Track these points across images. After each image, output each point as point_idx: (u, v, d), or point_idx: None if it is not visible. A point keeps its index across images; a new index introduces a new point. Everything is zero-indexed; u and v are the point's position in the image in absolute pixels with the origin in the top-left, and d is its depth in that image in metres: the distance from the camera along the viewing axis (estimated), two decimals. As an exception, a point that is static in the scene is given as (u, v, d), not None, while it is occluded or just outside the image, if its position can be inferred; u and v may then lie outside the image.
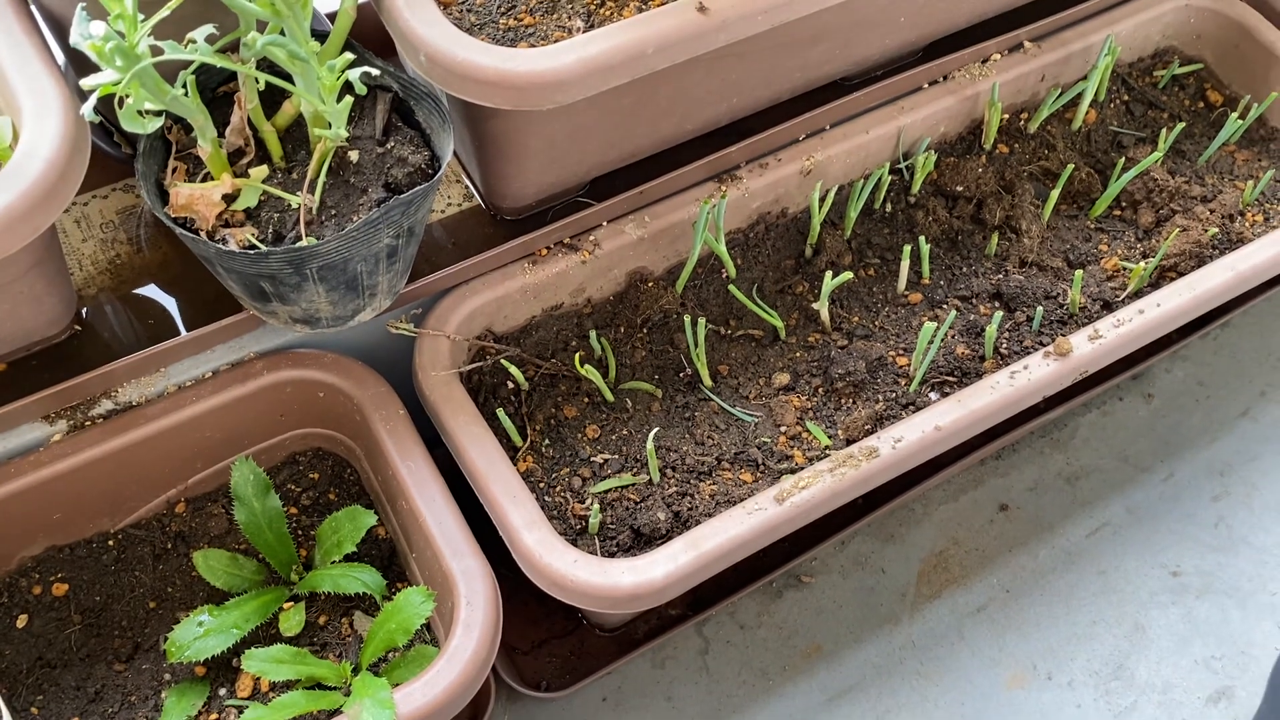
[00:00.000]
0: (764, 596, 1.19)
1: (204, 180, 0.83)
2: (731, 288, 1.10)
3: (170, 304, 0.99)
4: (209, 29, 0.74)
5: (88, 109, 0.70)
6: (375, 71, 0.76)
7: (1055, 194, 1.17)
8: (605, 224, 1.09)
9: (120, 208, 1.03)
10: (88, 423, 0.95)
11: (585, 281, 1.09)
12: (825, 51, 1.06)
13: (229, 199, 0.82)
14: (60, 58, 0.90)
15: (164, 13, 0.70)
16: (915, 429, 0.98)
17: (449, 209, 1.07)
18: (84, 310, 0.97)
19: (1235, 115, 1.23)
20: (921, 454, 0.98)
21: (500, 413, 0.98)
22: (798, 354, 1.10)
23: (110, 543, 0.98)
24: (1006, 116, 1.24)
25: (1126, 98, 1.30)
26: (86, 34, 0.68)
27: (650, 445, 0.96)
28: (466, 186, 1.09)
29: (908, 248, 1.12)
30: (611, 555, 0.95)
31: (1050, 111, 1.24)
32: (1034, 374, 1.02)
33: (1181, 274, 1.13)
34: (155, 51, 0.71)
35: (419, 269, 1.00)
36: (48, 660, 0.93)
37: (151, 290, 1.00)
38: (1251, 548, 1.24)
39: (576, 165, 1.02)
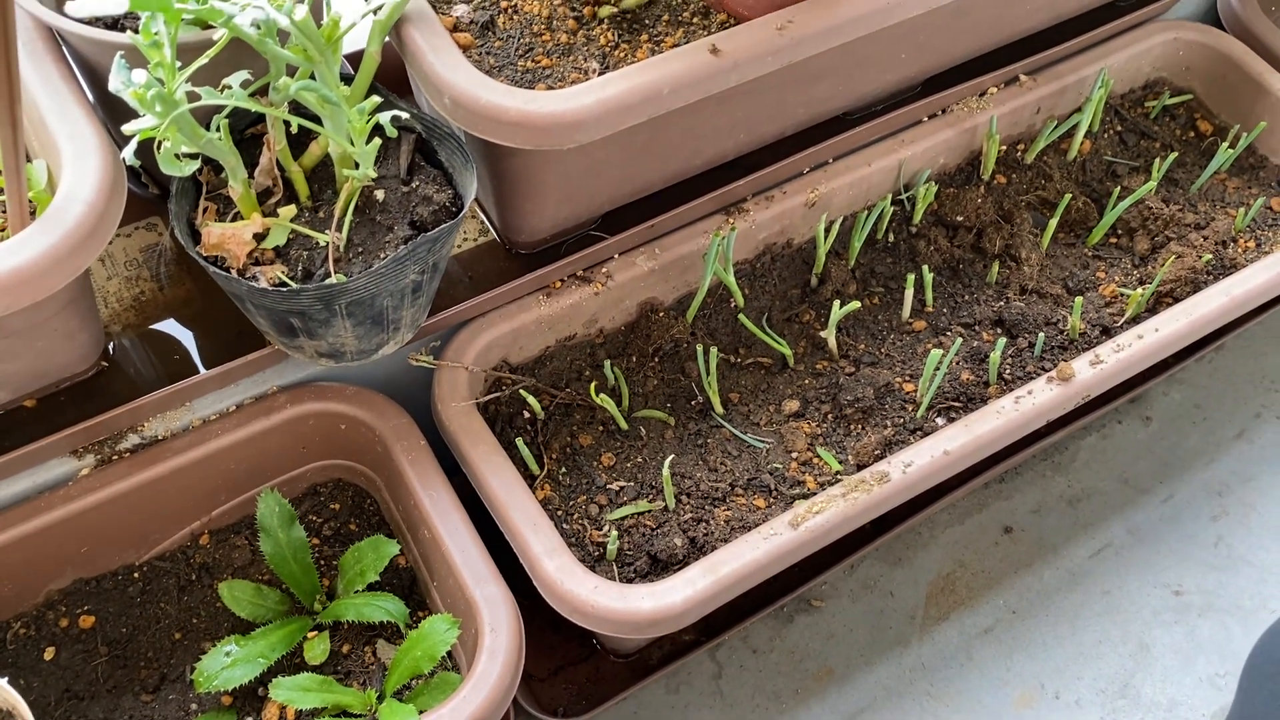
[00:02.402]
0: (775, 621, 1.21)
1: (234, 220, 0.85)
2: (741, 317, 1.13)
3: (194, 339, 1.01)
4: (244, 74, 0.76)
5: (128, 153, 0.73)
6: (405, 115, 0.79)
7: (1053, 223, 1.20)
8: (617, 256, 1.11)
9: (144, 245, 1.05)
10: (115, 457, 0.96)
11: (598, 312, 1.11)
12: (829, 88, 1.09)
13: (259, 238, 0.84)
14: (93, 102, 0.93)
15: (202, 61, 0.73)
16: (925, 454, 1.00)
17: (465, 244, 1.10)
18: (111, 346, 0.99)
19: (1225, 145, 1.27)
20: (931, 478, 1.00)
21: (519, 442, 1.00)
22: (806, 381, 1.13)
23: (136, 575, 1.00)
24: (1004, 148, 1.28)
25: (1120, 128, 1.34)
26: (128, 81, 0.71)
27: (666, 472, 0.98)
28: (483, 222, 1.11)
29: (911, 276, 1.15)
30: (629, 581, 0.97)
31: (1046, 143, 1.27)
32: (1038, 398, 1.04)
33: (1178, 299, 1.16)
34: (192, 97, 0.74)
35: (438, 303, 1.02)
36: (75, 692, 0.95)
37: (175, 326, 1.02)
38: (1251, 566, 1.27)
39: (590, 200, 1.05)
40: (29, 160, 0.85)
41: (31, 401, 0.94)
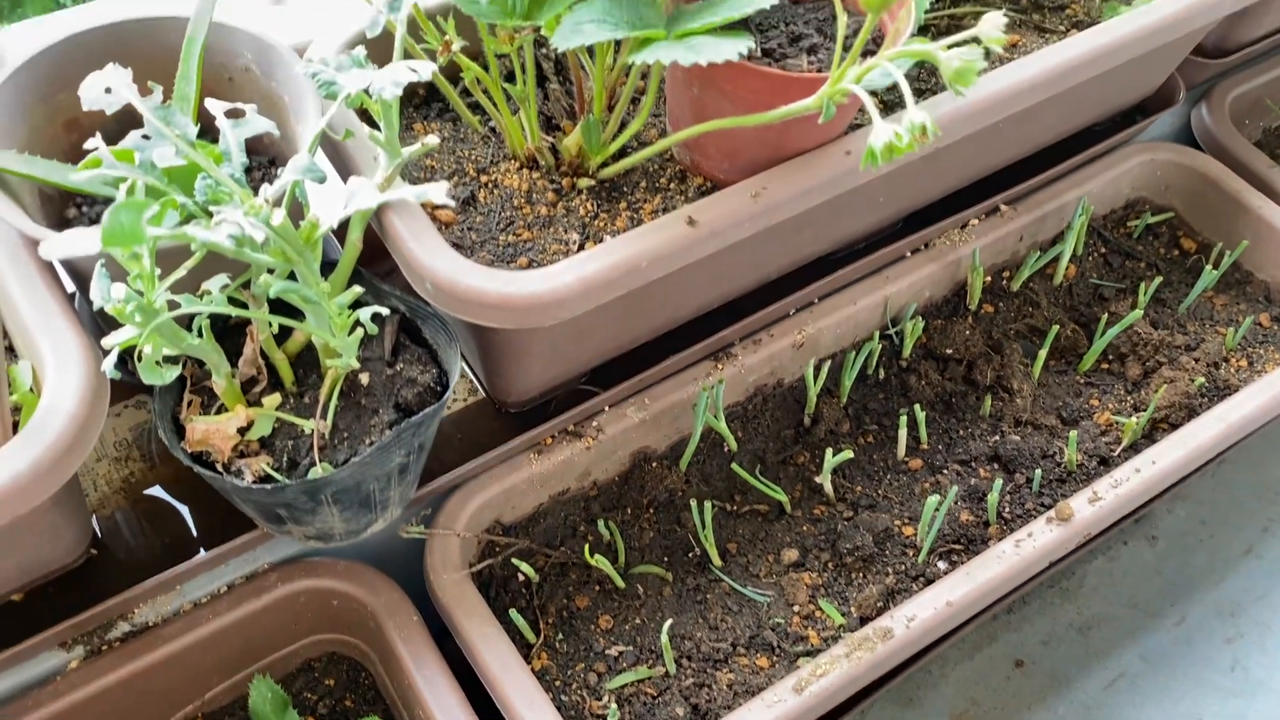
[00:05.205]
0: (786, 772, 1.17)
1: (219, 411, 0.85)
2: (735, 466, 1.12)
3: (184, 518, 1.01)
4: (222, 279, 0.77)
5: (109, 366, 0.73)
6: (385, 312, 0.79)
7: (1043, 353, 1.20)
8: (607, 409, 1.11)
9: (133, 424, 1.05)
10: (104, 647, 0.95)
11: (590, 466, 1.11)
12: (810, 236, 1.10)
13: (243, 430, 0.84)
14: (74, 291, 0.94)
15: (180, 273, 0.73)
16: (927, 606, 0.98)
17: (455, 404, 1.10)
18: (99, 531, 0.99)
19: (1209, 266, 1.27)
20: (935, 631, 0.98)
21: (513, 613, 0.98)
22: (805, 528, 1.11)
23: (127, 766, 0.98)
24: (989, 278, 1.28)
25: (1104, 250, 1.35)
26: (107, 296, 0.71)
27: (664, 638, 0.97)
28: (471, 382, 1.11)
29: (904, 416, 1.14)
30: (632, 753, 0.94)
31: (1032, 271, 1.28)
32: (1038, 541, 1.03)
33: (1173, 425, 1.15)
34: (173, 305, 0.74)
35: (429, 468, 1.01)
36: None
37: (165, 505, 1.01)
38: (1270, 690, 1.24)
39: (577, 360, 1.05)
40: (15, 360, 0.85)
41: (19, 595, 0.93)
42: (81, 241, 0.62)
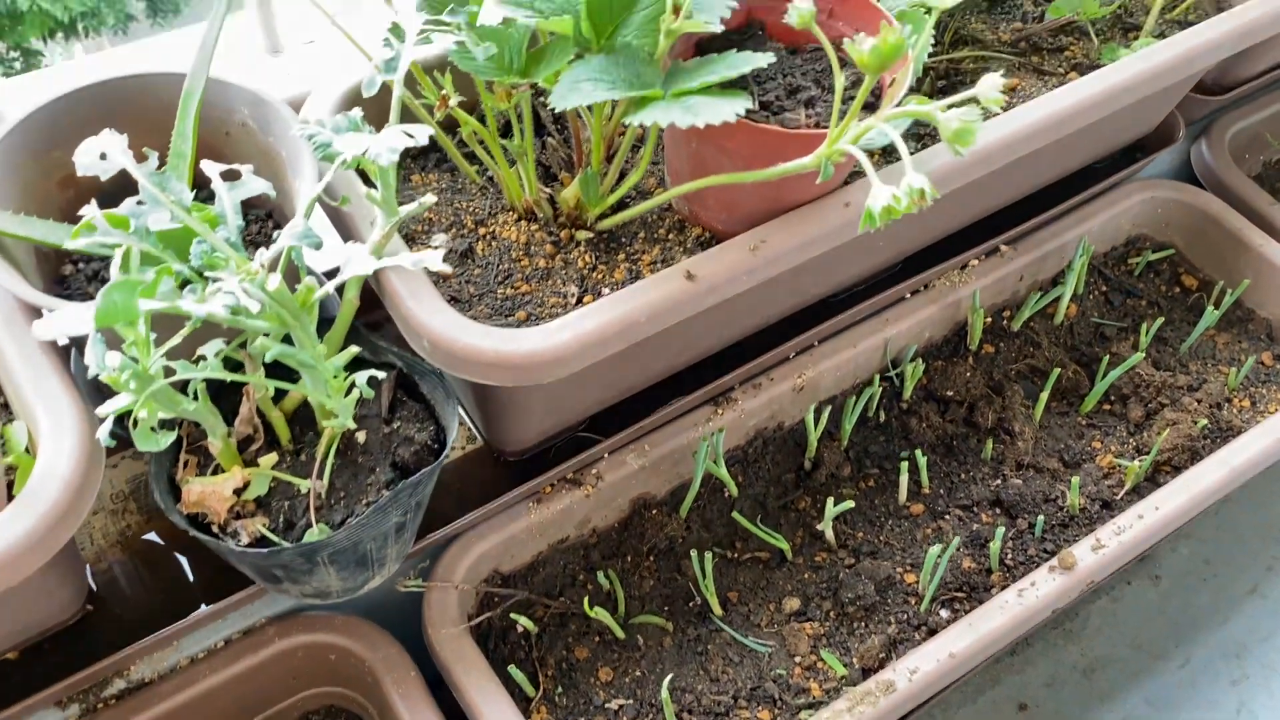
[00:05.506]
0: (789, 821, 1.16)
1: (215, 471, 0.85)
2: (736, 514, 1.11)
3: (182, 568, 1.00)
4: (218, 344, 0.76)
5: (103, 434, 0.72)
6: (381, 375, 0.79)
7: (1045, 395, 1.20)
8: (606, 456, 1.10)
9: (130, 476, 1.05)
10: (100, 705, 0.94)
11: (590, 513, 1.10)
12: (809, 281, 1.10)
13: (239, 490, 0.83)
14: (69, 345, 0.93)
15: (175, 340, 0.73)
16: (930, 658, 0.98)
17: (453, 453, 1.09)
18: (95, 586, 0.98)
19: (1211, 304, 1.27)
20: (937, 683, 0.98)
21: (512, 668, 0.97)
22: (806, 575, 1.11)
23: (123, 824, 0.97)
24: (989, 319, 1.28)
25: (1105, 288, 1.34)
26: (103, 365, 0.71)
27: (665, 694, 0.96)
28: (470, 430, 1.11)
29: (905, 463, 1.13)
30: (633, 809, 0.94)
31: (1033, 311, 1.27)
32: (1041, 590, 1.02)
33: (1176, 468, 1.15)
34: (168, 371, 0.74)
35: (427, 520, 1.00)
36: None
37: (163, 557, 1.01)
38: (1277, 734, 1.23)
39: (576, 408, 1.05)
40: (11, 420, 0.85)
41: (13, 654, 0.93)
42: (75, 322, 0.61)
